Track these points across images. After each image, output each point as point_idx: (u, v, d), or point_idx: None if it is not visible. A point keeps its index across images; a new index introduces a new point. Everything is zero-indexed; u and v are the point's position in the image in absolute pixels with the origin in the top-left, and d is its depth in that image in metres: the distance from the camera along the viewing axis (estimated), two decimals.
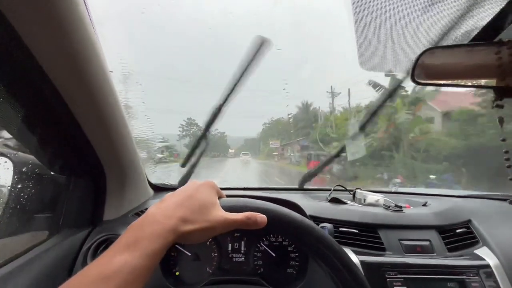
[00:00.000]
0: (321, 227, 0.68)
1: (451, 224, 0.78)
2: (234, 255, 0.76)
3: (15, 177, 0.57)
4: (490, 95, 0.47)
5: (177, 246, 0.74)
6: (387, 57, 0.56)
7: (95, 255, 0.63)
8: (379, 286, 0.64)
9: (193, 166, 1.05)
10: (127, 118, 0.64)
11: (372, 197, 0.93)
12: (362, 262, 0.66)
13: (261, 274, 0.75)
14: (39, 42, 0.38)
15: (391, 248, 0.71)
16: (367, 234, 0.74)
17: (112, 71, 0.53)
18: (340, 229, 0.74)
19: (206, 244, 0.76)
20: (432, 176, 7.44)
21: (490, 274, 0.65)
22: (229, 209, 0.39)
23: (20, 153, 0.60)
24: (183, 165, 1.04)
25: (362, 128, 1.08)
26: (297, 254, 0.76)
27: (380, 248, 0.71)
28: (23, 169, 0.59)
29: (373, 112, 1.02)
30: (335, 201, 0.90)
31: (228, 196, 0.43)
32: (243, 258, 0.76)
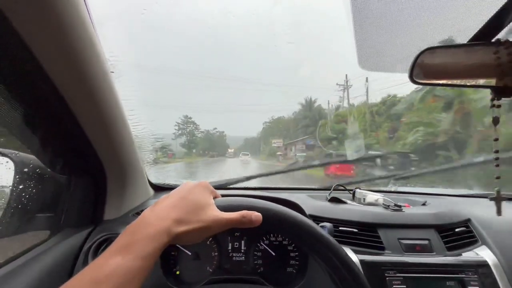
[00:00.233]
0: (321, 226, 0.69)
1: (450, 223, 0.78)
2: (234, 254, 0.76)
3: (17, 177, 0.58)
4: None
5: (177, 245, 0.75)
6: (386, 57, 0.56)
7: (96, 254, 0.63)
8: (379, 285, 0.64)
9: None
10: (127, 118, 0.64)
11: (371, 197, 0.94)
12: (361, 261, 0.66)
13: (261, 273, 0.75)
14: (40, 42, 0.39)
15: (390, 247, 0.71)
16: (366, 233, 0.74)
17: (113, 71, 0.54)
18: (340, 228, 0.74)
19: (207, 244, 0.76)
20: None
21: (489, 273, 0.66)
22: (224, 208, 0.39)
23: (21, 153, 0.61)
24: None
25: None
26: (297, 253, 0.77)
27: (379, 247, 0.71)
28: (24, 169, 0.59)
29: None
30: (335, 200, 0.91)
31: (223, 195, 0.43)
32: (243, 257, 0.76)
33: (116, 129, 0.60)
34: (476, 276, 0.65)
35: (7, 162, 0.57)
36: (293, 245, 0.77)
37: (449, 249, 0.72)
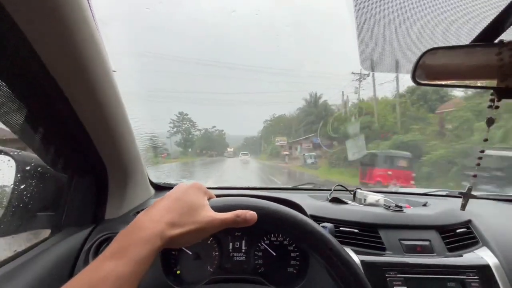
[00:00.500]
0: (321, 226, 0.69)
1: (451, 224, 0.78)
2: (235, 254, 0.76)
3: (18, 175, 0.57)
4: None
5: None
6: (388, 58, 0.56)
7: (96, 254, 0.63)
8: (380, 286, 0.64)
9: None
10: (129, 117, 0.64)
11: (372, 197, 0.94)
12: (362, 262, 0.66)
13: (261, 273, 0.75)
14: (43, 41, 0.39)
15: (391, 248, 0.71)
16: (367, 234, 0.74)
17: (115, 71, 0.54)
18: (341, 228, 0.74)
19: (207, 243, 0.76)
20: None
21: (490, 274, 0.66)
22: (218, 209, 0.39)
23: (23, 152, 0.60)
24: None
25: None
26: (297, 253, 0.77)
27: (380, 248, 0.71)
28: (26, 168, 0.59)
29: None
30: (336, 200, 0.91)
31: (218, 196, 0.43)
32: (244, 257, 0.76)
33: (117, 128, 0.60)
34: (476, 277, 0.65)
35: (9, 160, 0.57)
36: (294, 245, 0.77)
37: (450, 250, 0.72)
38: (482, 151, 0.50)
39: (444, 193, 1.11)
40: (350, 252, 0.69)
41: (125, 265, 0.30)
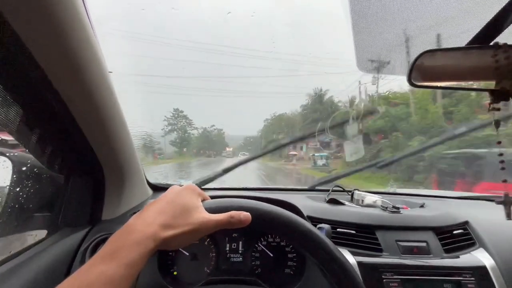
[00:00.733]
0: (318, 228, 0.69)
1: (448, 226, 0.78)
2: (231, 255, 0.76)
3: (14, 176, 0.57)
4: None
5: None
6: (384, 60, 0.56)
7: (93, 254, 0.63)
8: (376, 287, 0.64)
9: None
10: (126, 117, 0.64)
11: (370, 198, 0.94)
12: (359, 263, 0.66)
13: (258, 274, 0.75)
14: (38, 42, 0.39)
15: (388, 249, 0.71)
16: (364, 235, 0.74)
17: (111, 71, 0.54)
18: (338, 230, 0.74)
19: (204, 244, 0.76)
20: None
21: (486, 276, 0.66)
22: (212, 210, 0.39)
23: (19, 153, 0.60)
24: None
25: None
26: (294, 255, 0.77)
27: (377, 249, 0.71)
28: (22, 169, 0.59)
29: None
30: (333, 202, 0.91)
31: (213, 197, 0.43)
32: (240, 258, 0.76)
33: (114, 128, 0.60)
34: (473, 278, 0.65)
35: (5, 161, 0.57)
36: (291, 246, 0.77)
37: (447, 251, 0.72)
38: (501, 154, 0.49)
39: (441, 194, 1.11)
40: (347, 253, 0.69)
41: (116, 268, 0.30)
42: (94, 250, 0.64)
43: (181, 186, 0.42)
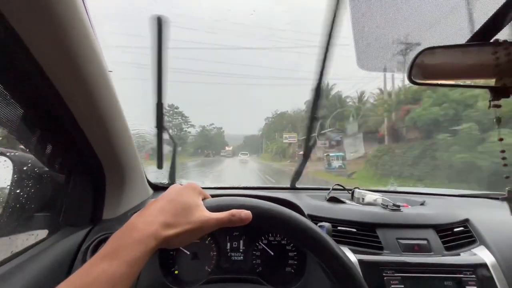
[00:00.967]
0: (319, 226, 0.69)
1: (449, 223, 0.78)
2: (232, 254, 0.76)
3: (15, 176, 0.57)
4: None
5: None
6: (385, 57, 0.56)
7: (94, 253, 0.63)
8: (377, 285, 0.64)
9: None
10: (126, 117, 0.64)
11: (370, 196, 0.94)
12: (360, 261, 0.66)
13: (259, 272, 0.75)
14: (38, 41, 0.39)
15: (389, 247, 0.71)
16: (365, 233, 0.74)
17: (111, 71, 0.54)
18: (339, 228, 0.75)
19: (205, 243, 0.76)
20: None
21: (487, 273, 0.66)
22: (213, 209, 0.39)
23: (19, 152, 0.60)
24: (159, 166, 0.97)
25: None
26: (295, 253, 0.77)
27: (378, 247, 0.72)
28: (23, 168, 0.59)
29: None
30: (334, 200, 0.91)
31: (214, 196, 0.43)
32: (241, 257, 0.76)
33: (114, 128, 0.60)
34: (474, 276, 0.65)
35: (5, 161, 0.57)
36: (292, 244, 0.77)
37: (448, 249, 0.72)
38: (503, 151, 0.49)
39: (441, 192, 1.11)
40: (347, 251, 0.69)
41: (118, 266, 0.30)
42: (95, 250, 0.64)
43: (182, 185, 0.42)
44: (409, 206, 0.90)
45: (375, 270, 0.66)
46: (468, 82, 0.51)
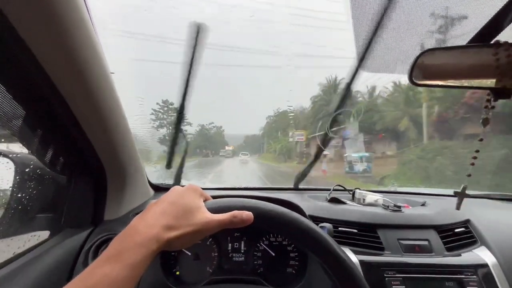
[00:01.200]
0: (320, 227, 0.69)
1: (450, 224, 0.78)
2: (234, 255, 0.76)
3: (17, 177, 0.58)
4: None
5: None
6: (386, 58, 0.56)
7: (96, 255, 0.64)
8: (378, 286, 0.64)
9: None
10: (127, 118, 0.64)
11: (371, 197, 0.94)
12: (361, 262, 0.66)
13: (261, 273, 0.75)
14: (40, 42, 0.39)
15: (390, 247, 0.71)
16: (366, 234, 0.74)
17: (113, 72, 0.54)
18: (340, 228, 0.75)
19: (206, 244, 0.76)
20: None
21: (488, 273, 0.66)
22: (215, 210, 0.39)
23: (21, 154, 0.61)
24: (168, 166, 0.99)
25: None
26: (296, 254, 0.77)
27: (379, 248, 0.72)
28: (25, 170, 0.59)
29: None
30: (335, 201, 0.91)
31: (215, 197, 0.43)
32: (243, 258, 0.76)
33: (116, 129, 0.60)
34: (475, 276, 0.65)
35: (8, 162, 0.57)
36: (293, 245, 0.77)
37: (449, 249, 0.72)
38: (477, 151, 0.50)
39: (442, 192, 1.11)
40: (348, 252, 0.69)
41: (120, 269, 0.30)
42: (97, 250, 0.64)
43: (183, 186, 0.42)
44: (410, 207, 0.90)
45: (376, 270, 0.66)
46: (468, 83, 0.51)
